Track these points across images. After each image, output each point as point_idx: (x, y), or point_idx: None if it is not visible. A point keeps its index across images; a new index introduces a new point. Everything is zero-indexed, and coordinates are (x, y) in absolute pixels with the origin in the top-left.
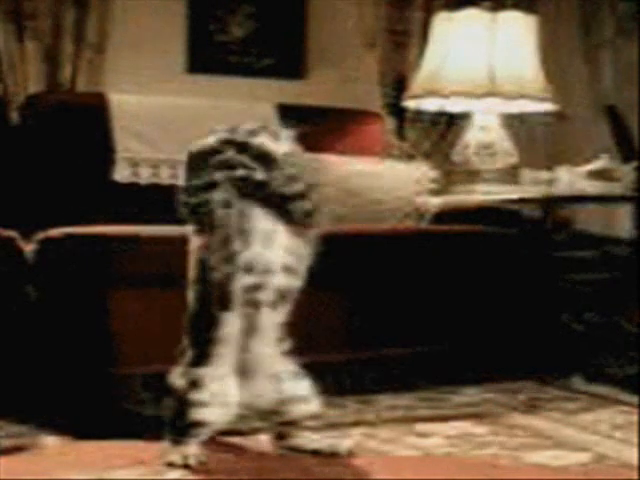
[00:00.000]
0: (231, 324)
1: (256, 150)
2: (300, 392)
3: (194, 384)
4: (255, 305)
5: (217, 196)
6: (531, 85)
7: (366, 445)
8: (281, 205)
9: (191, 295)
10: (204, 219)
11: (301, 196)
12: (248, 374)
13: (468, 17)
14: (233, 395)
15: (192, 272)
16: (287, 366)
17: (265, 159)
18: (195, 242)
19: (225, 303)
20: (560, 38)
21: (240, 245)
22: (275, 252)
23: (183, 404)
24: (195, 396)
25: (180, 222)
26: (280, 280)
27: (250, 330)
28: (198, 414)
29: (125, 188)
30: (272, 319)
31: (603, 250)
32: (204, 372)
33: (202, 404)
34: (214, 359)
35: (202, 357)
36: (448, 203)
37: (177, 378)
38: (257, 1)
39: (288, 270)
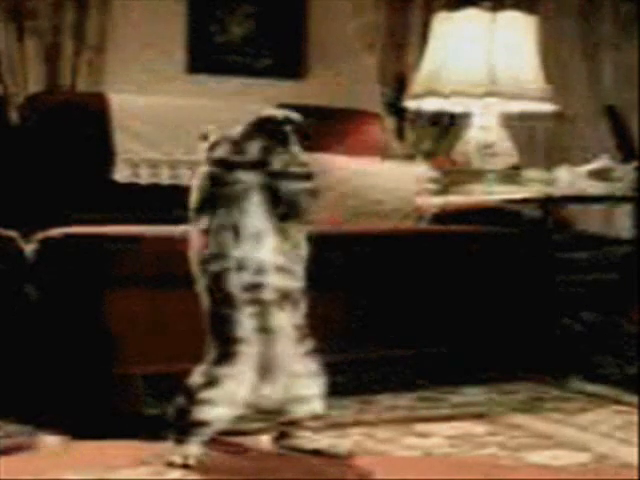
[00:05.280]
0: (244, 323)
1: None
2: (304, 392)
3: (211, 382)
4: (260, 304)
5: (247, 177)
6: (531, 85)
7: (366, 445)
8: (281, 184)
9: (203, 294)
10: (221, 191)
11: (305, 177)
12: (264, 374)
13: (468, 17)
14: (244, 395)
15: (195, 269)
16: (307, 366)
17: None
18: (197, 240)
19: (228, 301)
20: (560, 38)
21: (231, 240)
22: (265, 252)
23: (191, 402)
24: (206, 395)
25: (180, 222)
26: (276, 280)
27: (265, 330)
28: (203, 413)
29: (125, 188)
30: (283, 319)
31: (603, 250)
32: (224, 371)
33: (210, 403)
34: (235, 358)
35: (224, 356)
36: (448, 203)
37: (197, 375)
38: (257, 1)
39: (282, 270)
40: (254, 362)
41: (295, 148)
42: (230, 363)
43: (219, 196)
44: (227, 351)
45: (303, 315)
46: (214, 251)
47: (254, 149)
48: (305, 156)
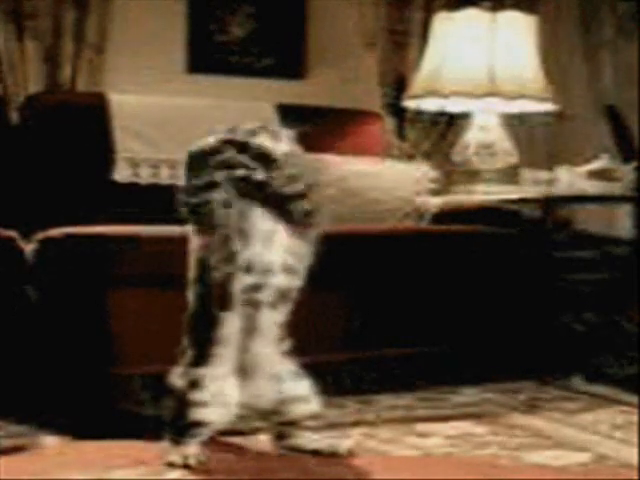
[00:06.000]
0: (231, 324)
1: (256, 150)
2: (300, 392)
3: (194, 384)
4: (255, 305)
5: (217, 196)
6: (531, 85)
7: (366, 445)
8: (281, 205)
9: (191, 295)
10: (204, 219)
11: (300, 196)
12: (248, 374)
13: (468, 17)
14: (233, 395)
15: (192, 272)
16: (287, 366)
17: (265, 159)
18: (195, 241)
19: (225, 303)
20: (560, 38)
21: (240, 245)
22: (275, 252)
23: (183, 404)
24: (195, 396)
25: (180, 222)
26: (280, 280)
27: (250, 330)
28: (198, 414)
29: (125, 188)
30: (272, 319)
31: (603, 250)
32: (204, 372)
33: (202, 404)
34: (214, 359)
35: (202, 357)
36: (448, 203)
37: (177, 378)
38: (257, 1)
39: (288, 270)
40: (232, 362)
41: (281, 164)
42: (207, 364)
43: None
44: (204, 352)
45: (286, 314)
46: (222, 256)
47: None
48: (295, 169)
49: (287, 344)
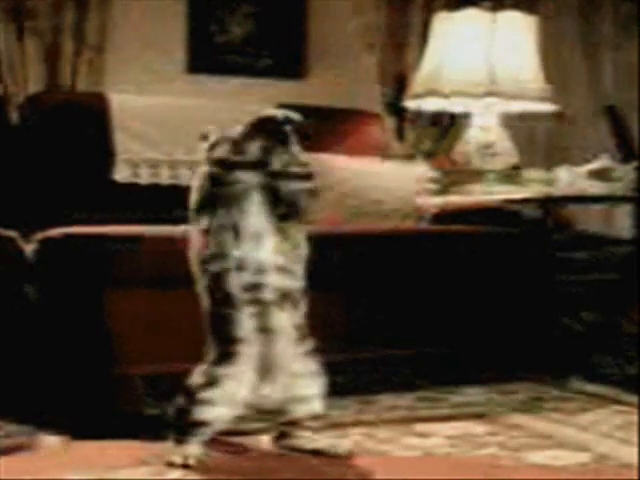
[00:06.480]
0: (244, 323)
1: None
2: (307, 392)
3: (211, 383)
4: (261, 304)
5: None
6: (531, 85)
7: (366, 445)
8: (279, 186)
9: (203, 294)
10: (218, 195)
11: (301, 176)
12: (267, 374)
13: (468, 17)
14: (244, 395)
15: (195, 269)
16: (307, 366)
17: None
18: (197, 238)
19: (228, 301)
20: (560, 38)
21: (231, 240)
22: (265, 252)
23: (191, 402)
24: (206, 395)
25: (179, 222)
26: (275, 280)
27: (265, 330)
28: (203, 413)
29: (125, 188)
30: (284, 319)
31: (603, 250)
32: (223, 371)
33: (210, 403)
34: (235, 358)
35: (224, 356)
36: (448, 203)
37: (197, 376)
38: (257, 1)
39: (281, 270)
40: (254, 362)
41: (295, 148)
42: (230, 363)
43: (219, 196)
44: (227, 351)
45: (303, 315)
46: (214, 251)
47: (254, 149)
48: (304, 156)
49: (309, 344)
